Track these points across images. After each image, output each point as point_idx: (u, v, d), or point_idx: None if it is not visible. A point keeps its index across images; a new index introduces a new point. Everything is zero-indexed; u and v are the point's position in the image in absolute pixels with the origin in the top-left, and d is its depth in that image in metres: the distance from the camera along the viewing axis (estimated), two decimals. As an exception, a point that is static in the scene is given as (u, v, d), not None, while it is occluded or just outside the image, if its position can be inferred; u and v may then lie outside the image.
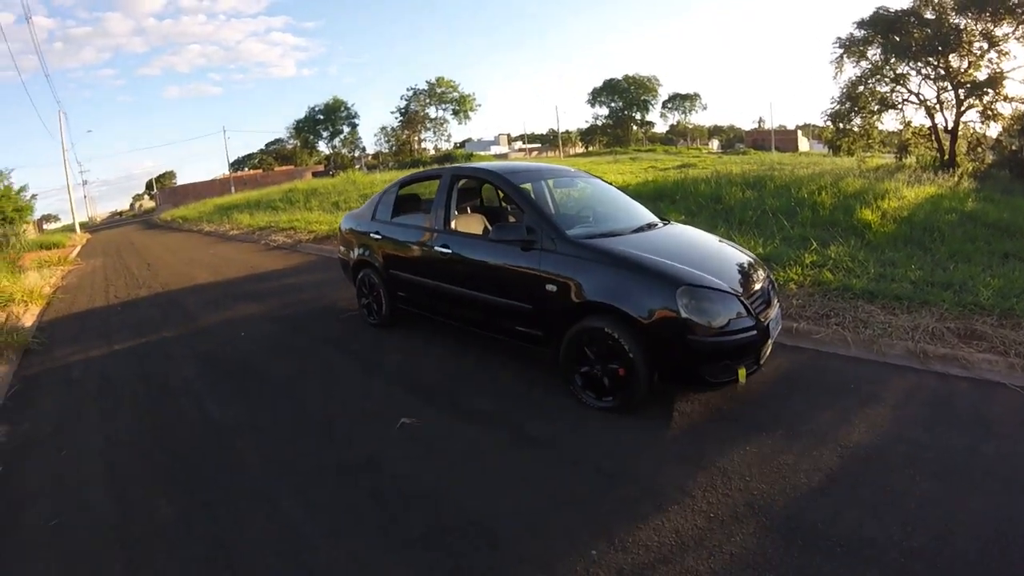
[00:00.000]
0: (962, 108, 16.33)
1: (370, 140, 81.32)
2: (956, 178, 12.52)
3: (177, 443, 3.99)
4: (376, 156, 73.98)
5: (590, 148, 78.64)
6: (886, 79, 17.59)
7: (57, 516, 3.21)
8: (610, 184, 6.05)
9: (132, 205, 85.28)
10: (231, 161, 68.05)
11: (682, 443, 3.44)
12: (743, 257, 4.45)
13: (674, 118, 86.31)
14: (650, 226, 4.79)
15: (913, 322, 5.00)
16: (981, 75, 16.13)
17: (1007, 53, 15.93)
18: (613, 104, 79.03)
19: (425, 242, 5.23)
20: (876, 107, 17.91)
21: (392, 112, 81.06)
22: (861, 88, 17.84)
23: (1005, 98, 15.89)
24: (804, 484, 2.96)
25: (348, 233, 6.53)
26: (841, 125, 18.50)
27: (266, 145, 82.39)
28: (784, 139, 69.27)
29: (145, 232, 27.56)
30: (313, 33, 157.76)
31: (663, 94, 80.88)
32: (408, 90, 72.45)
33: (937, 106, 16.89)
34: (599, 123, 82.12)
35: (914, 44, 16.31)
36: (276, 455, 3.68)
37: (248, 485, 3.36)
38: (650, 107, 79.70)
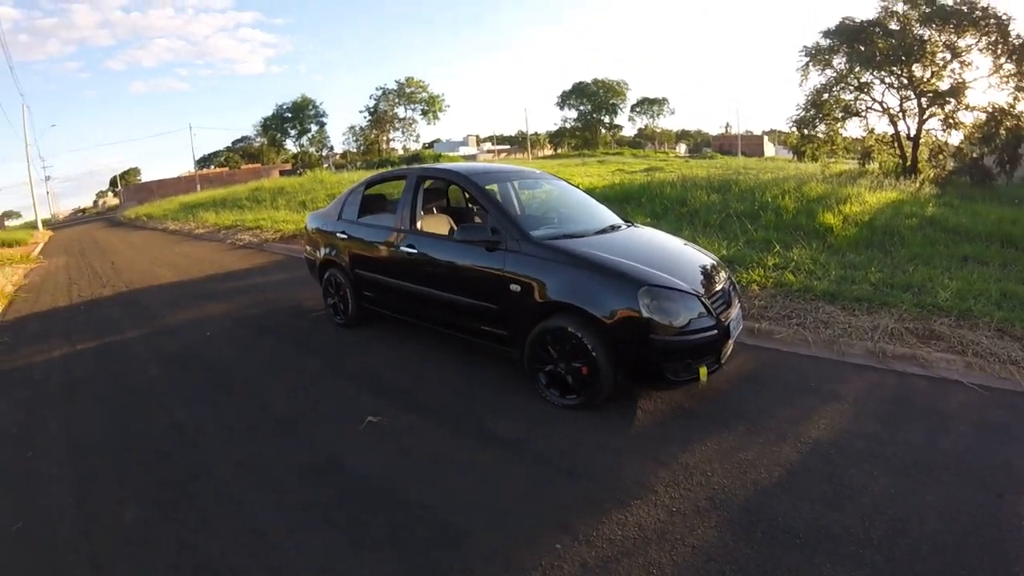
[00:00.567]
0: (924, 116, 16.77)
1: (338, 139, 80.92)
2: (918, 184, 12.82)
3: (142, 444, 3.90)
4: (344, 155, 73.69)
5: (559, 150, 78.86)
6: (850, 87, 18.01)
7: (21, 519, 3.13)
8: (576, 186, 6.10)
9: (96, 202, 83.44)
10: (197, 158, 66.90)
11: (645, 440, 3.47)
12: (705, 259, 4.51)
13: (642, 122, 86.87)
14: (614, 228, 4.83)
15: (873, 323, 5.12)
16: (944, 84, 16.58)
17: (969, 64, 16.42)
18: (582, 107, 79.33)
19: (391, 242, 5.20)
20: (840, 114, 18.33)
21: (361, 111, 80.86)
22: (826, 96, 18.23)
23: (967, 107, 16.35)
24: (765, 479, 3.00)
25: (314, 232, 6.49)
26: (806, 131, 18.88)
27: (233, 143, 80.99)
28: (751, 144, 70.51)
29: (109, 230, 26.98)
30: (283, 29, 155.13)
31: (631, 98, 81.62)
32: (377, 89, 72.69)
33: (900, 114, 17.33)
34: (568, 126, 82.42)
35: (878, 54, 16.71)
36: (241, 456, 3.63)
37: (213, 486, 3.30)
38: (619, 111, 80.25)
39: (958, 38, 16.25)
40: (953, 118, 16.49)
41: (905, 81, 16.85)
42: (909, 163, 16.59)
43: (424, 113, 71.83)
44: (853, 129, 19.10)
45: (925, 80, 16.62)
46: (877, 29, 17.01)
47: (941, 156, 16.89)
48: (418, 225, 5.06)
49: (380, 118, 71.62)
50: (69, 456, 3.84)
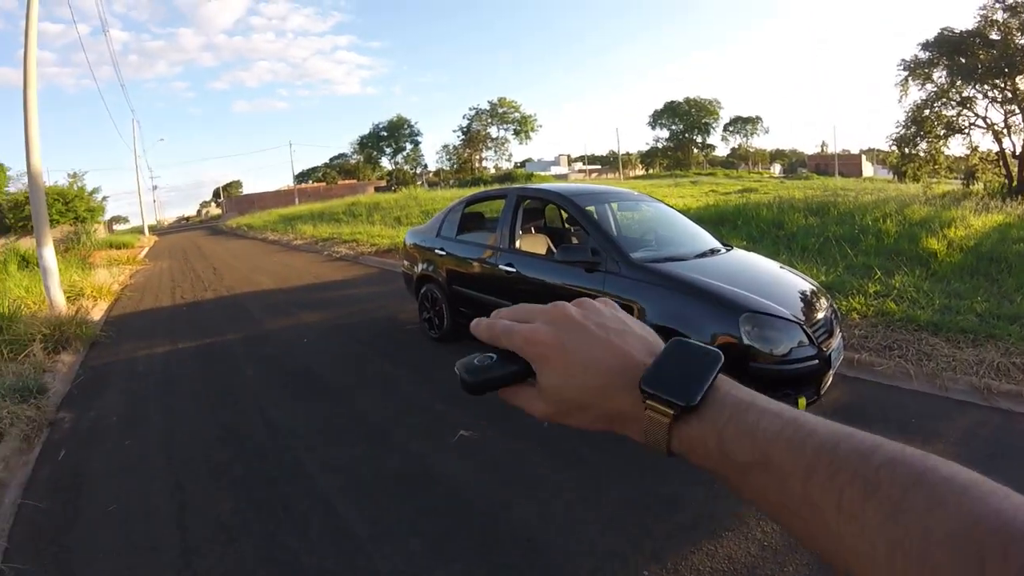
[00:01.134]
0: (1030, 133, 15.79)
1: (432, 157, 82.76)
2: None
3: (237, 442, 4.15)
4: (437, 173, 75.48)
5: (650, 170, 78.46)
6: (952, 102, 17.11)
7: (116, 503, 3.39)
8: (672, 208, 6.11)
9: (199, 211, 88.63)
10: (296, 173, 70.15)
11: (739, 470, 3.46)
12: (806, 285, 4.45)
13: (735, 141, 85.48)
14: (713, 251, 4.84)
15: (978, 356, 4.89)
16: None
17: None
18: (674, 127, 78.83)
19: (489, 260, 5.38)
20: (942, 131, 17.42)
21: (454, 131, 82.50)
22: (927, 112, 17.38)
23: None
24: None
25: (412, 248, 6.72)
26: (907, 150, 18.03)
27: (330, 159, 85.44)
28: (847, 164, 67.80)
29: (211, 237, 28.54)
30: (378, 52, 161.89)
31: (724, 117, 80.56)
32: (470, 109, 73.94)
33: (1005, 130, 16.33)
34: (659, 145, 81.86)
35: (980, 66, 15.85)
36: (334, 461, 3.79)
37: (306, 488, 3.45)
38: (711, 130, 79.15)
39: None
40: (1061, 134, 15.48)
41: (1009, 95, 15.88)
42: (1015, 183, 15.58)
43: (516, 133, 72.87)
44: (956, 147, 18.15)
45: (1030, 93, 15.67)
46: (977, 40, 16.12)
47: (1049, 175, 15.83)
48: (516, 244, 5.21)
49: (473, 137, 73.20)
50: (166, 447, 4.13)
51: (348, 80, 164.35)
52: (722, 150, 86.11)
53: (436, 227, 6.34)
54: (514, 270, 5.04)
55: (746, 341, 3.52)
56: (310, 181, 79.07)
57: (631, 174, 77.24)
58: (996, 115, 16.57)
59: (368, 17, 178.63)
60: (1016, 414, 4.11)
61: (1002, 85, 16.01)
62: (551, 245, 5.45)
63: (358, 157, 78.47)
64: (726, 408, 0.48)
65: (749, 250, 5.77)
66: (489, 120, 72.67)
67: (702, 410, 0.48)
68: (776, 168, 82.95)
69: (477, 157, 74.31)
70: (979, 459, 3.51)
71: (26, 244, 17.72)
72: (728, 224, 11.73)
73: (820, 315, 4.04)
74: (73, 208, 26.84)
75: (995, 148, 16.81)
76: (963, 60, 16.27)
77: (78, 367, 6.20)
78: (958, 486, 0.36)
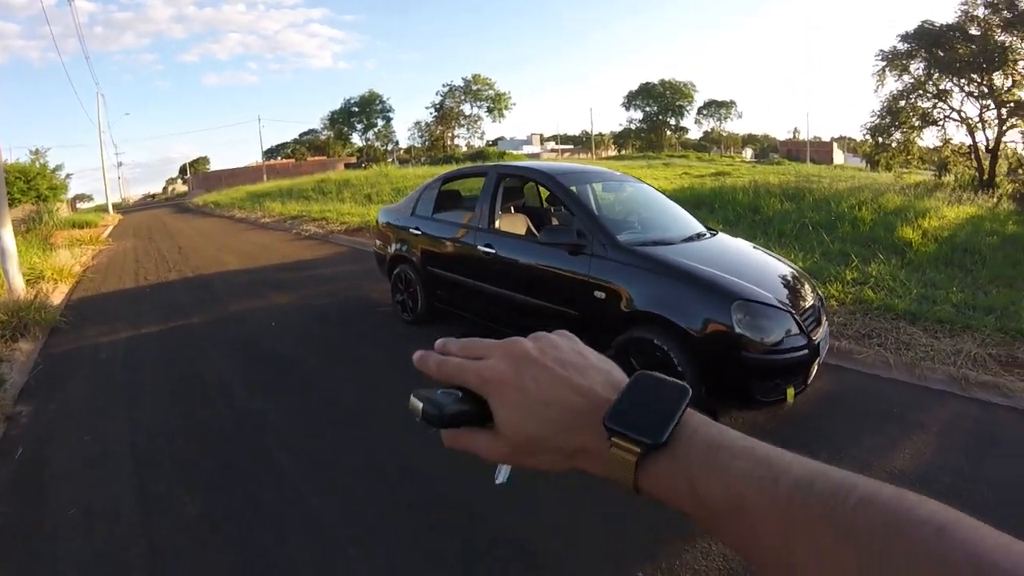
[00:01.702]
0: (1004, 127, 16.07)
1: (403, 135, 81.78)
2: (995, 199, 12.36)
3: (205, 434, 3.96)
4: (408, 150, 74.49)
5: (623, 151, 78.23)
6: (928, 94, 17.36)
7: (77, 506, 3.16)
8: (656, 189, 5.99)
9: (165, 188, 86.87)
10: (264, 149, 68.95)
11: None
12: (794, 272, 4.40)
13: (708, 125, 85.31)
14: (699, 236, 4.74)
15: (955, 346, 4.95)
16: (1026, 94, 15.89)
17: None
18: (648, 108, 78.29)
19: (468, 241, 5.21)
20: (917, 122, 17.68)
21: (427, 107, 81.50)
22: (903, 102, 17.61)
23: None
24: (854, 510, 2.91)
25: (385, 227, 6.53)
26: (881, 139, 18.30)
27: (299, 135, 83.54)
28: (819, 151, 68.69)
29: (177, 216, 27.85)
30: (352, 26, 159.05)
31: (699, 100, 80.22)
32: (444, 86, 73.12)
33: (979, 124, 16.63)
34: (633, 127, 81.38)
35: (958, 60, 16.09)
36: (307, 452, 3.63)
37: (278, 484, 3.29)
38: (685, 113, 78.70)
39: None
40: (1035, 130, 15.80)
41: (985, 89, 16.17)
42: (986, 176, 15.92)
43: (490, 111, 72.11)
44: (929, 138, 18.43)
45: (1006, 89, 15.95)
46: (957, 34, 16.36)
47: (1021, 170, 16.16)
48: (496, 224, 5.06)
49: (446, 114, 72.26)
50: (130, 442, 3.90)
51: (320, 54, 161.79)
52: (695, 133, 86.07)
53: (411, 206, 6.15)
54: (493, 251, 4.88)
55: (737, 330, 3.42)
56: (279, 157, 77.38)
57: (604, 155, 76.94)
58: (971, 109, 16.88)
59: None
60: (993, 405, 4.16)
61: (979, 80, 16.27)
62: (531, 226, 5.30)
63: (328, 133, 76.86)
64: (695, 446, 0.46)
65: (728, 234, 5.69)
66: (463, 97, 71.73)
67: (670, 448, 0.46)
68: (748, 153, 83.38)
69: (449, 135, 73.39)
70: (959, 451, 3.54)
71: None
72: (705, 207, 11.70)
73: (808, 303, 3.99)
74: (35, 187, 25.96)
75: (968, 141, 17.12)
76: (941, 53, 16.48)
77: (37, 355, 5.89)
78: (934, 529, 0.35)
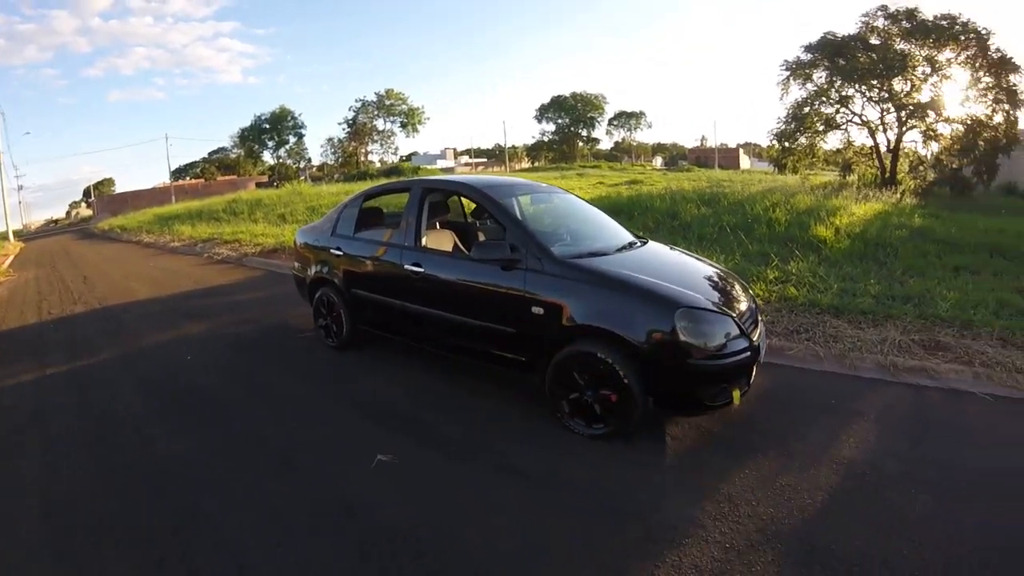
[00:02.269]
0: (903, 129, 17.10)
1: (316, 151, 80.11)
2: (898, 195, 13.02)
3: (123, 483, 3.54)
4: (321, 168, 73.10)
5: (536, 163, 78.75)
6: (831, 101, 18.30)
7: None
8: (582, 199, 5.91)
9: (69, 213, 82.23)
10: (173, 169, 65.57)
11: (681, 470, 3.34)
12: (729, 277, 4.43)
13: (619, 135, 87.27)
14: (631, 245, 4.67)
15: (880, 335, 5.15)
16: (923, 97, 16.96)
17: (949, 77, 16.81)
18: (560, 120, 79.24)
19: (394, 259, 4.97)
20: (821, 127, 18.64)
21: (339, 123, 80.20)
22: (807, 109, 18.53)
23: (946, 119, 16.71)
24: (809, 505, 2.91)
25: (304, 248, 6.22)
26: (786, 144, 19.15)
27: (209, 154, 79.91)
28: (726, 157, 71.50)
29: (82, 242, 26.29)
30: (263, 40, 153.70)
31: (609, 111, 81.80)
32: (356, 101, 72.38)
33: (880, 126, 17.64)
34: (545, 139, 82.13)
35: (859, 68, 17.03)
36: (236, 497, 3.29)
37: (207, 535, 2.94)
38: (596, 124, 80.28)
39: (938, 52, 16.64)
40: (932, 130, 16.86)
41: (885, 95, 17.21)
42: (888, 174, 16.91)
43: (403, 126, 71.71)
44: (833, 141, 19.44)
45: (904, 94, 16.98)
46: (858, 44, 17.38)
47: (922, 167, 17.22)
48: (423, 242, 4.86)
49: (359, 130, 71.34)
50: (41, 503, 3.41)
51: (230, 69, 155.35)
52: (606, 144, 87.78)
53: (331, 225, 5.85)
54: (422, 270, 4.67)
55: (682, 337, 3.37)
56: (188, 177, 73.79)
57: (517, 167, 77.31)
58: (872, 113, 17.99)
59: (256, 2, 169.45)
60: (923, 388, 4.37)
61: (879, 86, 17.27)
62: (458, 241, 5.13)
63: (239, 151, 74.42)
64: None
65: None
66: (376, 112, 71.04)
67: None
68: (658, 161, 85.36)
69: (363, 151, 72.53)
70: (900, 435, 3.69)
71: None
72: (623, 215, 11.75)
73: (744, 305, 4.00)
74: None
75: (870, 143, 18.14)
76: (843, 62, 17.43)
77: (-73, 404, 5.27)
78: None
